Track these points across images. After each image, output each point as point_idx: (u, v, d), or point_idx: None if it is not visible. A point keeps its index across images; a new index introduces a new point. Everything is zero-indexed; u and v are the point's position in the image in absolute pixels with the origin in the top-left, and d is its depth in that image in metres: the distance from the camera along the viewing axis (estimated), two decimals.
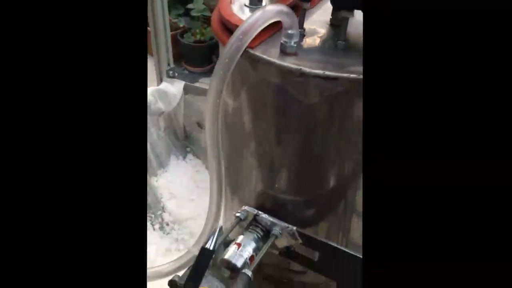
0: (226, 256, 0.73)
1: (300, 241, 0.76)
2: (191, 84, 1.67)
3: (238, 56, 0.59)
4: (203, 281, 0.62)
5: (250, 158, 0.80)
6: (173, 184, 1.69)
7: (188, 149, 1.82)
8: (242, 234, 0.77)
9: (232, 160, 0.85)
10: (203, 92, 1.65)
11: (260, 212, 0.78)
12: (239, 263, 0.72)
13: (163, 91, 1.59)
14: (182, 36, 2.40)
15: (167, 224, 1.58)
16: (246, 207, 0.80)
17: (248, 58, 0.64)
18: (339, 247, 0.73)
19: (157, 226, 1.57)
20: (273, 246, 0.79)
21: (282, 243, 0.78)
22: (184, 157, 1.79)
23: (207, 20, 2.36)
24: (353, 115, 0.65)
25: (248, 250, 0.74)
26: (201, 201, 1.82)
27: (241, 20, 0.63)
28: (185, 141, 1.82)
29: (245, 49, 0.60)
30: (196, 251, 0.72)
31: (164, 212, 1.60)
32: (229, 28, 0.68)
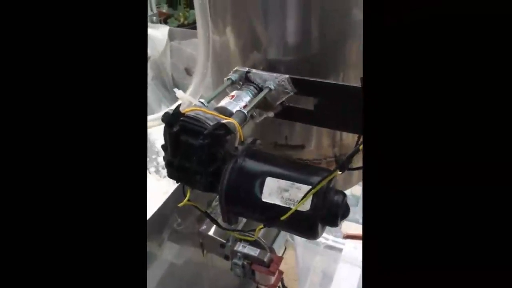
0: (221, 104, 0.72)
1: (295, 90, 0.74)
2: (177, 28, 1.66)
3: None
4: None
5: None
6: None
7: None
8: None
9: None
10: (189, 36, 1.64)
11: (252, 69, 0.77)
12: (234, 109, 0.70)
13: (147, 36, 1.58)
14: (166, 22, 2.38)
15: (163, 168, 1.56)
16: (237, 67, 0.78)
17: None
18: (337, 83, 0.71)
19: (152, 169, 1.54)
20: (268, 106, 0.78)
21: (276, 98, 0.76)
22: None
23: (188, 4, 2.36)
24: None
25: (243, 100, 0.73)
26: None
27: None
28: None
29: None
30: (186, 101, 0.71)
31: (159, 156, 1.58)
32: None
